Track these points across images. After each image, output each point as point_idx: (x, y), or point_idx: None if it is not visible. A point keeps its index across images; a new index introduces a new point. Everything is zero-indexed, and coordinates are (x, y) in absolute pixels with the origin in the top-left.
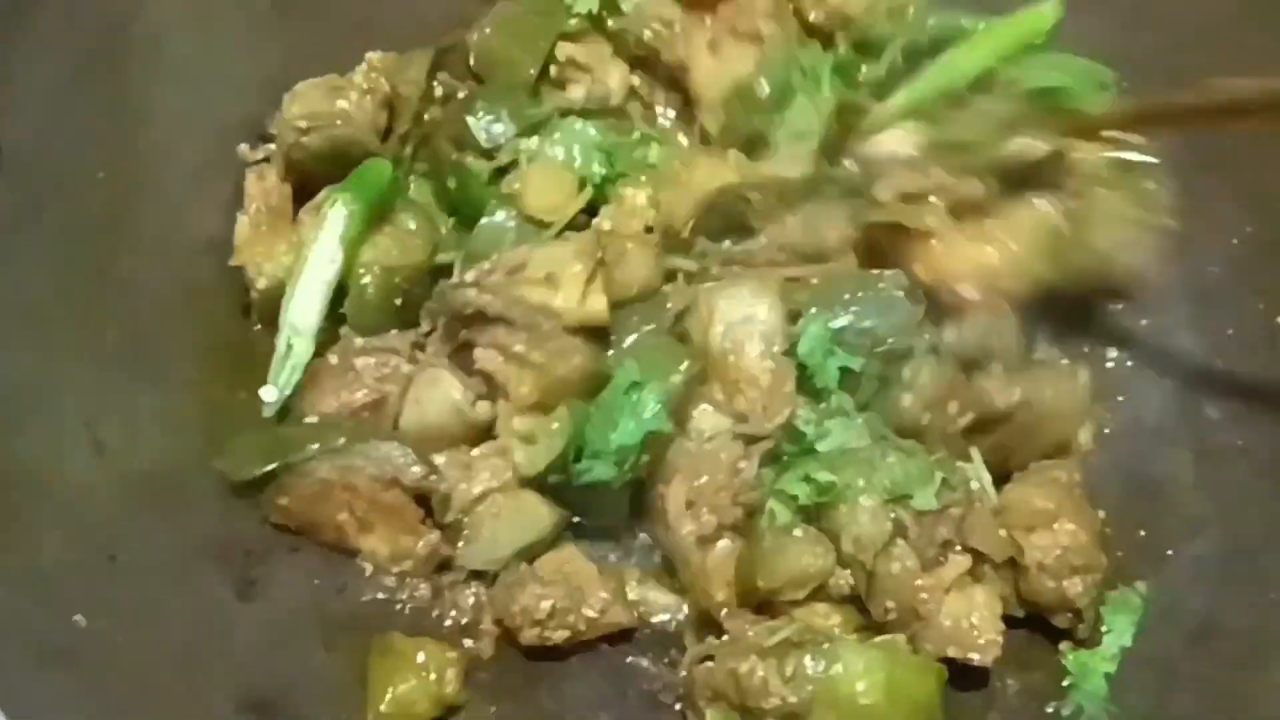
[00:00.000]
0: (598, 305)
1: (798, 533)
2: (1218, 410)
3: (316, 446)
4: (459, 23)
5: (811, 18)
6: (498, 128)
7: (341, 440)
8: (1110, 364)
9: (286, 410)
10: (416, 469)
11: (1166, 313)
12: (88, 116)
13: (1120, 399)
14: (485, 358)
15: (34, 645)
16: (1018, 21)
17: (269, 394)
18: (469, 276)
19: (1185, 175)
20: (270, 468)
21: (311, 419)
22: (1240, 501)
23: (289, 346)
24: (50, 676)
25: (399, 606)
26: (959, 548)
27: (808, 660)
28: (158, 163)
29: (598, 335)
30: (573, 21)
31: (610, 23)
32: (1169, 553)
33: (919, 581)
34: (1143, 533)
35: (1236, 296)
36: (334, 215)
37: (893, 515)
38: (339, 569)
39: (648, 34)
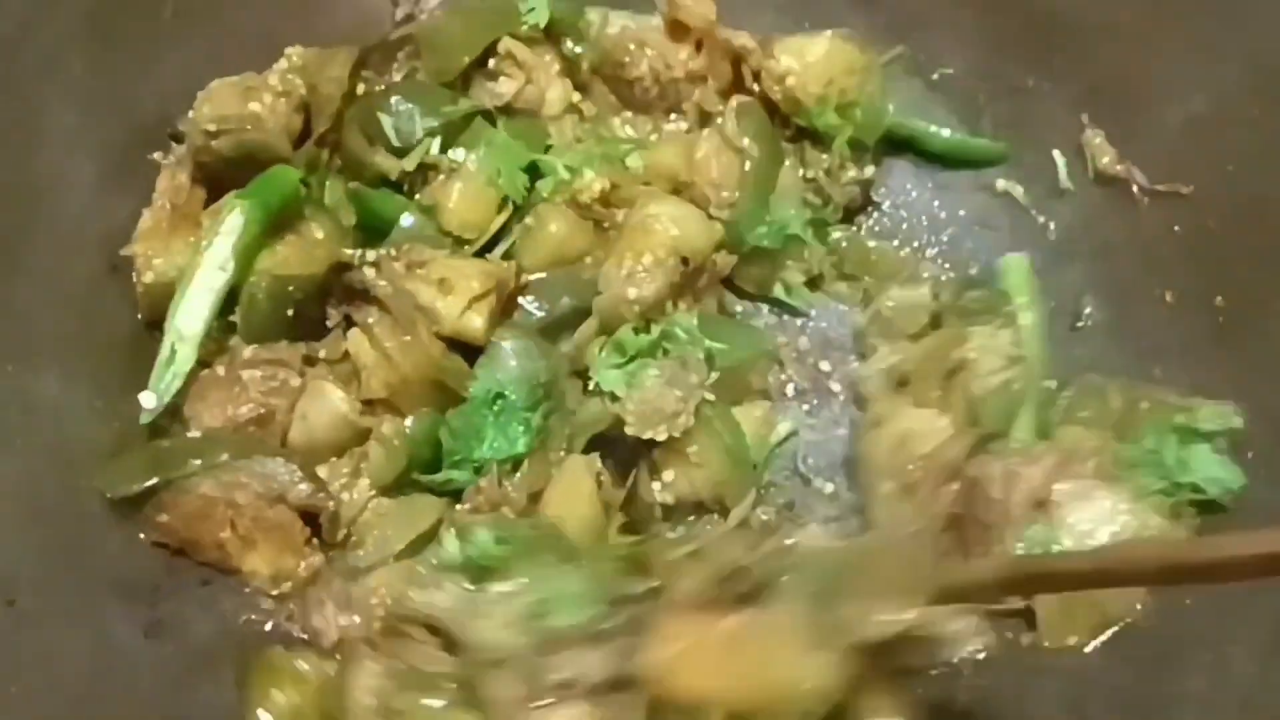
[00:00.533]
0: (474, 323)
1: None
2: None
3: (199, 462)
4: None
5: (774, 94)
6: (410, 125)
7: (225, 456)
8: None
9: (173, 418)
10: (303, 487)
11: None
12: None
13: None
14: (354, 339)
15: None
16: None
17: (148, 400)
18: (370, 256)
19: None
20: (149, 484)
21: (195, 433)
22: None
23: (172, 351)
24: None
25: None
26: None
27: None
28: (54, 183)
29: (467, 353)
30: (525, 27)
31: (569, 43)
32: None
33: None
34: None
35: (1155, 296)
36: (230, 221)
37: None
38: (255, 599)
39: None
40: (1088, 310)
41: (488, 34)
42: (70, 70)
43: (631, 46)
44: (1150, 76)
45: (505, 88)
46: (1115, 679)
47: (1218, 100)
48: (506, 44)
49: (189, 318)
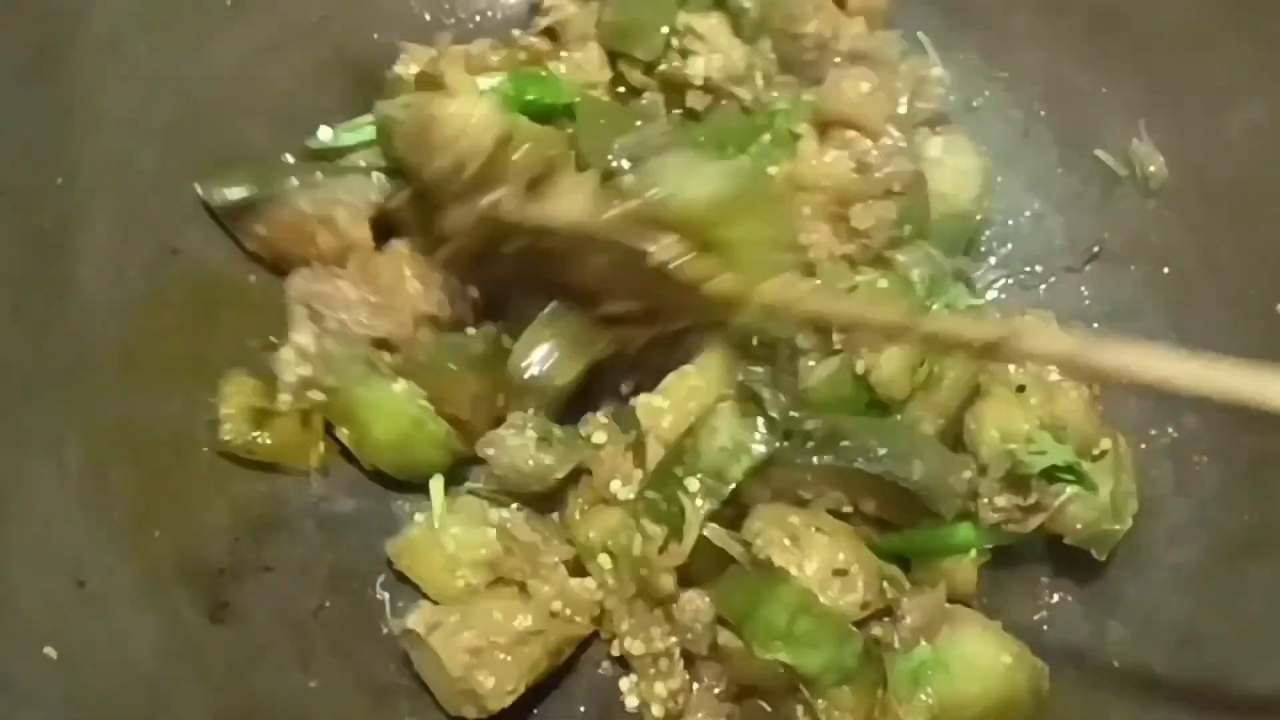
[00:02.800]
0: None
1: None
2: (1196, 418)
3: (295, 181)
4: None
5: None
6: None
7: (320, 175)
8: None
9: None
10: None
11: (1144, 319)
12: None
13: (1100, 408)
14: None
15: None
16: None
17: (325, 133)
18: None
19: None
20: (251, 195)
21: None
22: (1219, 509)
23: None
24: (19, 714)
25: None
26: None
27: None
28: (115, 164)
29: None
30: None
31: None
32: (1150, 562)
33: None
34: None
35: (1213, 303)
36: None
37: None
38: (312, 588)
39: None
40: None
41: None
42: (131, 51)
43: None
44: (1210, 81)
45: (697, 67)
46: (1184, 681)
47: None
48: (684, 18)
49: None
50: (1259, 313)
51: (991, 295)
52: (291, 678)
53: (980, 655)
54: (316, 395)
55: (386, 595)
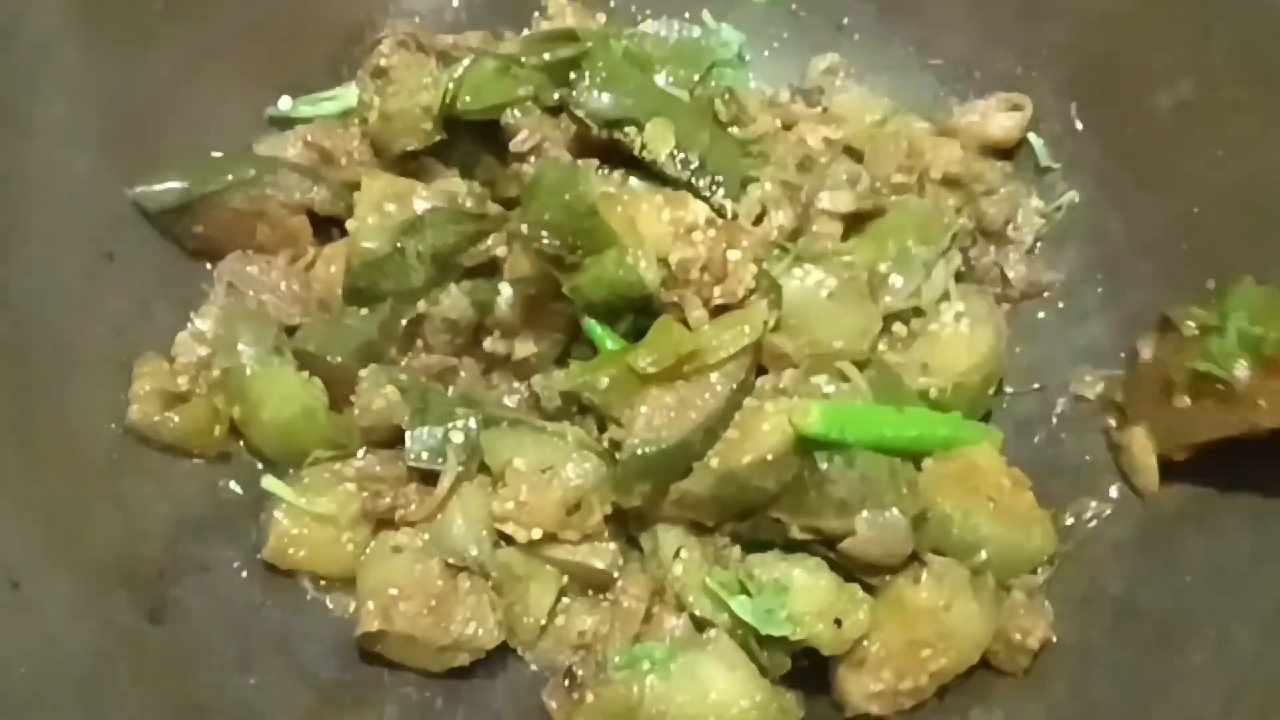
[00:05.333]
0: None
1: None
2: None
3: (230, 177)
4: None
5: None
6: None
7: (252, 172)
8: (1018, 350)
9: None
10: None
11: (1079, 299)
12: None
13: (1035, 385)
14: None
15: None
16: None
17: (284, 102)
18: None
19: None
20: (184, 196)
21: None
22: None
23: None
24: None
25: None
26: None
27: None
28: (47, 172)
29: None
30: None
31: None
32: (1086, 537)
33: None
34: (1063, 517)
35: (1147, 281)
36: None
37: None
38: (252, 587)
39: None
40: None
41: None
42: (64, 59)
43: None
44: (1139, 62)
45: None
46: (1121, 657)
47: (1206, 85)
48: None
49: None
50: (1192, 289)
51: None
52: (232, 677)
53: (712, 683)
54: (213, 375)
55: (326, 593)
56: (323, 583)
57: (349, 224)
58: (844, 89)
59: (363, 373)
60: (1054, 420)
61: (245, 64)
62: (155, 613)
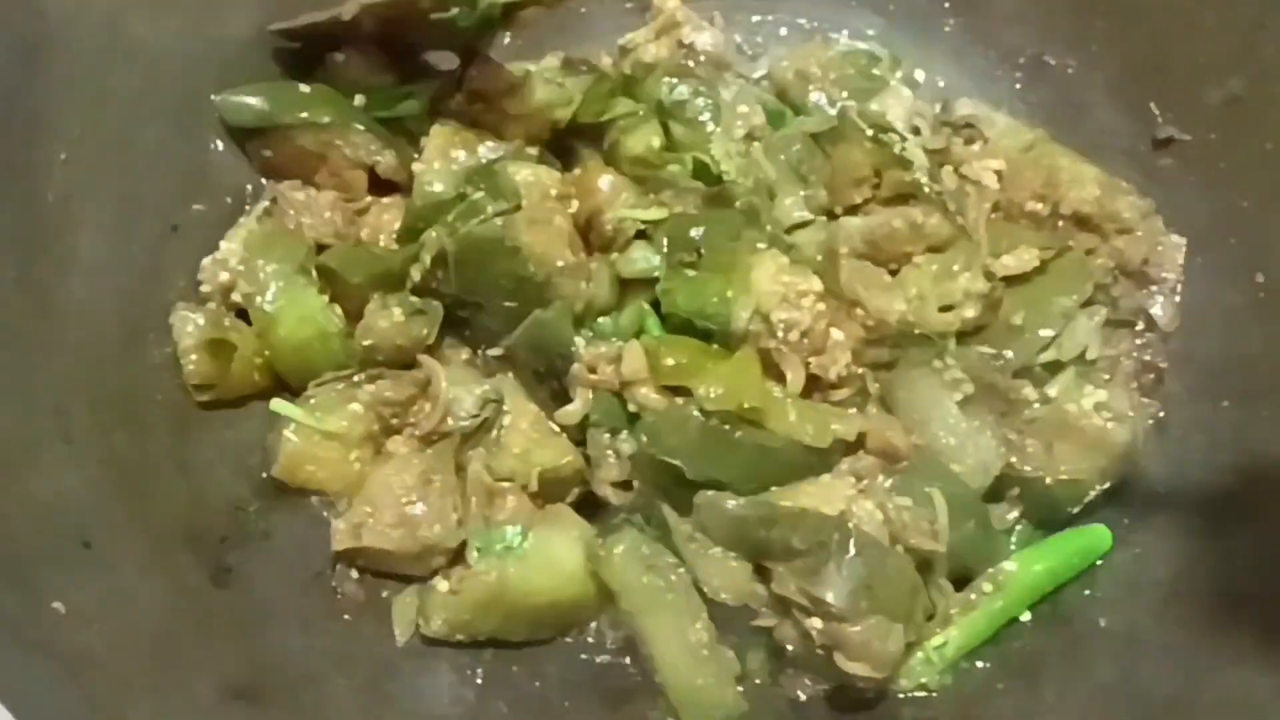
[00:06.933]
0: None
1: None
2: (1179, 384)
3: (306, 115)
4: None
5: None
6: None
7: (328, 118)
8: None
9: None
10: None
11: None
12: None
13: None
14: None
15: (11, 630)
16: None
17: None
18: None
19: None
20: (261, 120)
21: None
22: (1200, 474)
23: None
24: (30, 661)
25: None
26: None
27: None
28: (119, 142)
29: None
30: None
31: None
32: (1134, 524)
33: None
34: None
35: (1197, 275)
36: None
37: None
38: (314, 552)
39: None
40: None
41: None
42: (133, 30)
43: None
44: (1188, 56)
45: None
46: (1169, 641)
47: (1257, 79)
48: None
49: None
50: (1241, 283)
51: None
52: (294, 640)
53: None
54: (237, 298)
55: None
56: (331, 502)
57: (414, 166)
58: (989, 121)
59: (374, 295)
60: None
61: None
62: (217, 576)
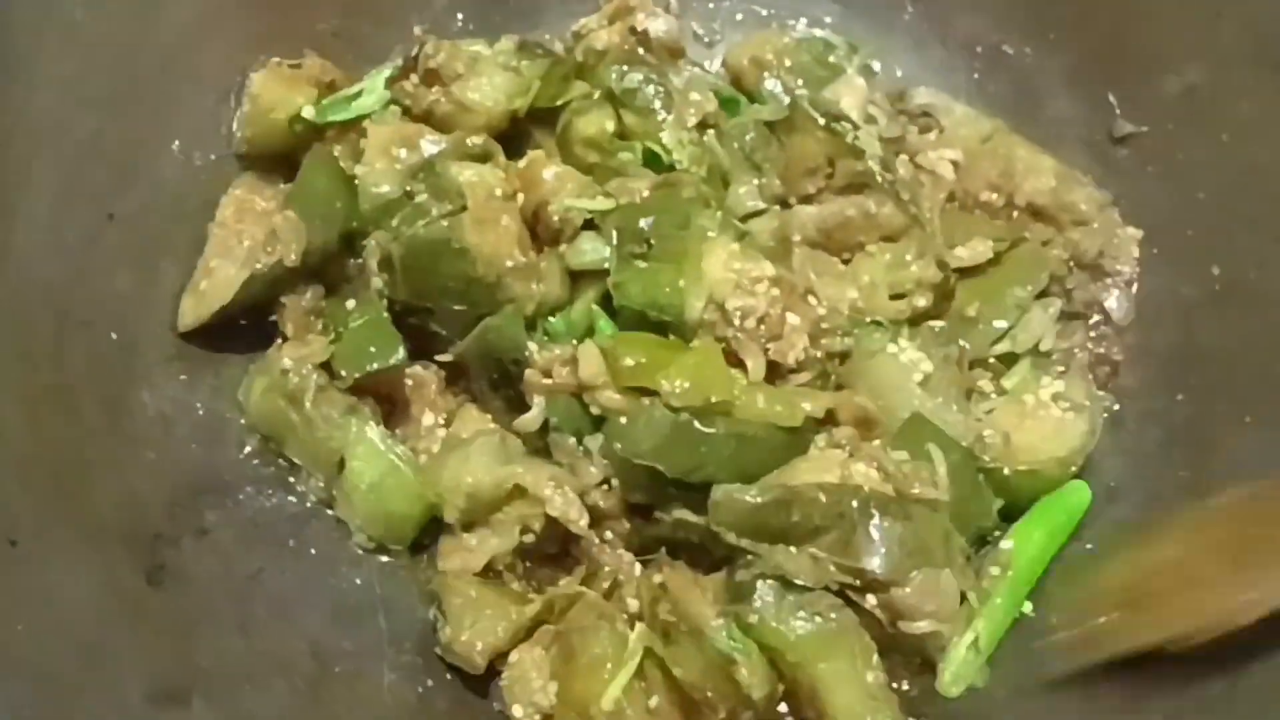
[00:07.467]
0: None
1: None
2: (1134, 377)
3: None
4: None
5: None
6: None
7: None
8: None
9: None
10: None
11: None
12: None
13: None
14: None
15: None
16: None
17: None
18: None
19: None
20: None
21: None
22: (1156, 468)
23: None
24: None
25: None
26: None
27: None
28: (51, 132)
29: None
30: None
31: None
32: (1088, 519)
33: None
34: None
35: (1153, 267)
36: None
37: None
38: (254, 551)
39: None
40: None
41: None
42: (70, 16)
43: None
44: (1147, 45)
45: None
46: None
47: (1215, 69)
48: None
49: None
50: (1197, 276)
51: None
52: (232, 641)
53: None
54: None
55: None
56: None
57: (357, 169)
58: (947, 110)
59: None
60: None
61: (252, 28)
62: (153, 574)
